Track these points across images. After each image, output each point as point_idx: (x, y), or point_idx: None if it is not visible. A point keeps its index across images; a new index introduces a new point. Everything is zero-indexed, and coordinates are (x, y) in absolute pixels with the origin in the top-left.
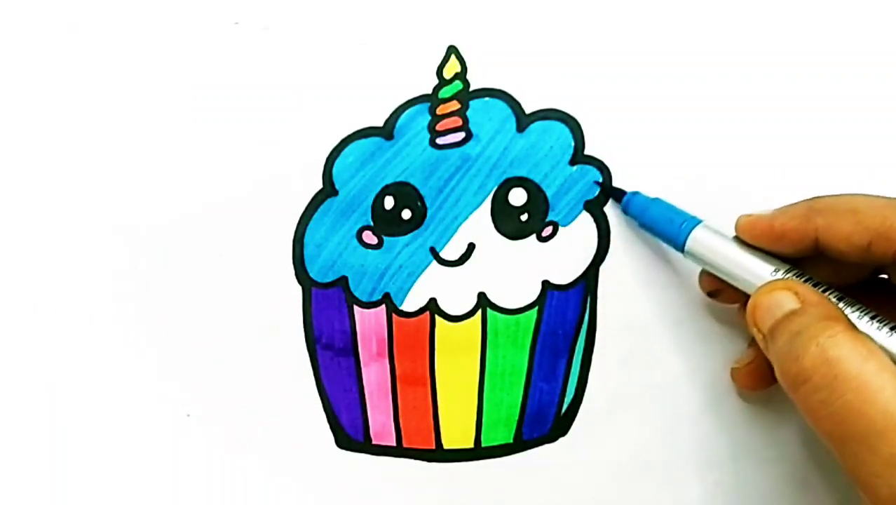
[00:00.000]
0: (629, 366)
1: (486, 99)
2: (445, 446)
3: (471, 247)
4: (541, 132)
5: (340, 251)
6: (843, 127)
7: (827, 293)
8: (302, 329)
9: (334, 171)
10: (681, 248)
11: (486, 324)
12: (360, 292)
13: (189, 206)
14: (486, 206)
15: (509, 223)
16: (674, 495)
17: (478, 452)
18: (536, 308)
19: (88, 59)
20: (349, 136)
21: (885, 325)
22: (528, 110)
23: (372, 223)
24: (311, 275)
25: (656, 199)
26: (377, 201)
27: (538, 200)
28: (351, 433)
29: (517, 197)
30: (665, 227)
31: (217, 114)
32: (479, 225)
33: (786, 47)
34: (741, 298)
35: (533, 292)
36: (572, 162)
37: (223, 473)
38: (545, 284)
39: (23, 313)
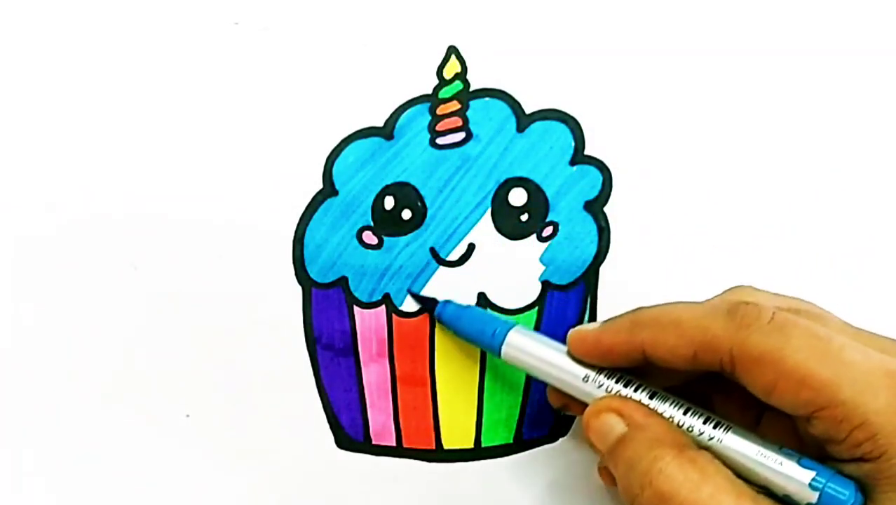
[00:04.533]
0: None
1: (486, 99)
2: (445, 446)
3: (471, 247)
4: (541, 132)
5: (340, 251)
6: (847, 126)
7: (654, 399)
8: (302, 329)
9: (334, 171)
10: (497, 353)
11: None
12: (360, 293)
13: (189, 207)
14: (486, 206)
15: (509, 223)
16: None
17: (478, 452)
18: (536, 308)
19: (88, 59)
20: (349, 136)
21: (716, 426)
22: (528, 110)
23: (372, 223)
24: (311, 275)
25: (469, 307)
26: (377, 201)
27: (538, 200)
28: (351, 433)
29: (517, 197)
30: (479, 336)
31: (217, 114)
32: (479, 225)
33: (788, 47)
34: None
35: (533, 292)
36: (572, 162)
37: (223, 474)
38: (545, 284)
39: (23, 312)
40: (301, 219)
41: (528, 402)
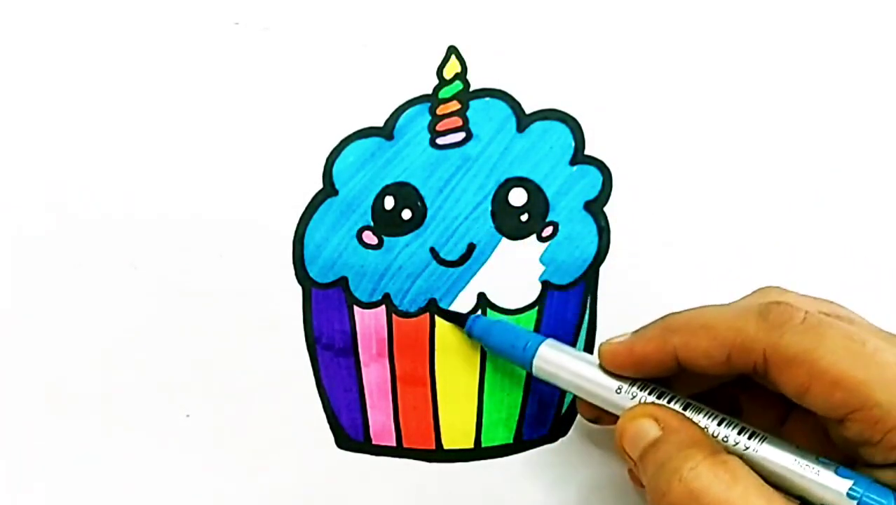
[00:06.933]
0: None
1: (487, 99)
2: (445, 446)
3: (471, 247)
4: (541, 132)
5: (340, 251)
6: (848, 126)
7: (689, 410)
8: (302, 329)
9: (334, 171)
10: (528, 368)
11: None
12: (360, 293)
13: (189, 206)
14: (486, 206)
15: (509, 223)
16: None
17: (478, 452)
18: (536, 308)
19: (89, 59)
20: (349, 137)
21: (751, 436)
22: (528, 110)
23: (372, 223)
24: (311, 275)
25: (499, 321)
26: (377, 201)
27: (538, 200)
28: (351, 433)
29: (517, 197)
30: (509, 350)
31: (217, 114)
32: (479, 225)
33: (787, 47)
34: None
35: (533, 292)
36: (572, 162)
37: (223, 474)
38: (545, 284)
39: (23, 312)
40: (301, 219)
41: (528, 402)
